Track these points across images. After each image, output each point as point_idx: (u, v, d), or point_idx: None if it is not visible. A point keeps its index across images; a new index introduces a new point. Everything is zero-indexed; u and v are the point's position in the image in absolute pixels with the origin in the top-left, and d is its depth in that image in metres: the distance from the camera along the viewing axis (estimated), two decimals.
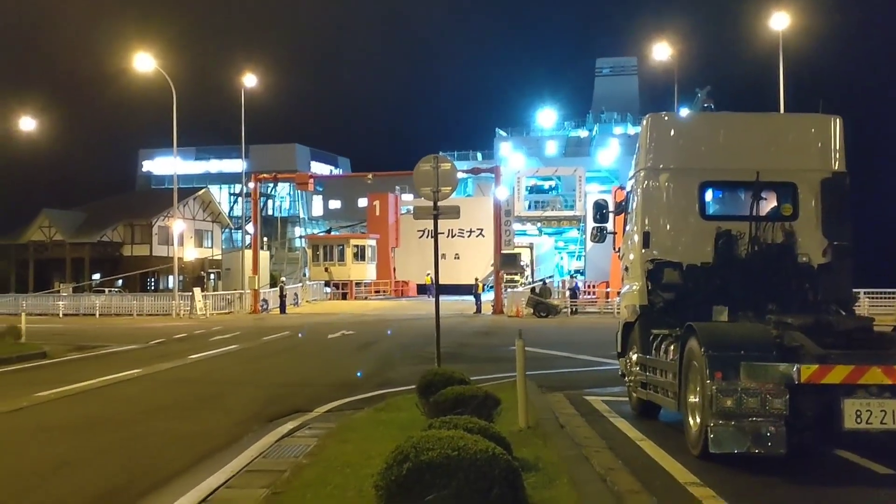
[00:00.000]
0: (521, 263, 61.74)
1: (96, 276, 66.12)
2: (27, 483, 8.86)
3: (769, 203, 10.95)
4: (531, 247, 70.24)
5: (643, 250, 11.14)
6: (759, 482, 7.91)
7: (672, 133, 11.55)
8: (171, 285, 57.03)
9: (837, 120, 11.16)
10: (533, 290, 43.29)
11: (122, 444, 10.88)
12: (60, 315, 46.63)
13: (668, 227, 11.12)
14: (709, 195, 11.24)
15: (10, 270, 68.08)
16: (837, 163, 11.02)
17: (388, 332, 31.86)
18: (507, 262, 47.75)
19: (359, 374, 15.61)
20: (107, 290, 57.99)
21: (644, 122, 11.72)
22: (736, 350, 8.33)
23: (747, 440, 8.03)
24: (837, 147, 11.05)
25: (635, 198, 11.71)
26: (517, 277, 58.66)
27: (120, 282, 65.02)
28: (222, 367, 20.63)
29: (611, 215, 13.26)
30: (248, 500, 7.62)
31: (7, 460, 10.00)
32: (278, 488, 7.89)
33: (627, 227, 12.38)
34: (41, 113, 76.36)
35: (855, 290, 12.57)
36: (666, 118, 12.10)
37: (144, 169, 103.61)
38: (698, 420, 8.70)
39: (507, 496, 5.49)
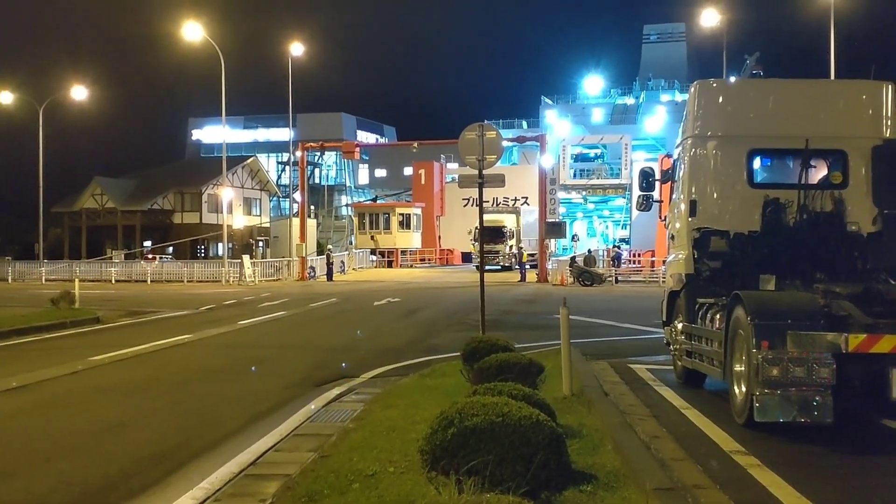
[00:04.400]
0: (505, 232, 54.41)
1: (147, 243, 67.17)
2: (85, 442, 9.15)
3: (818, 171, 10.80)
4: (517, 213, 59.45)
5: (690, 218, 11.07)
6: (805, 451, 7.89)
7: (720, 100, 11.42)
8: (220, 252, 57.63)
9: (889, 86, 10.95)
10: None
11: (174, 407, 11.18)
12: (113, 281, 47.45)
13: (715, 195, 11.03)
14: (757, 163, 11.13)
15: (63, 237, 69.56)
16: (889, 130, 10.82)
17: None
18: (552, 230, 46.95)
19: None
20: (157, 256, 58.87)
21: (692, 88, 11.59)
22: (783, 319, 8.29)
23: (793, 409, 8.01)
24: (889, 114, 10.86)
25: (682, 166, 11.62)
26: (499, 247, 52.64)
27: (171, 249, 65.98)
28: (271, 333, 20.94)
29: (657, 183, 13.17)
30: (297, 463, 7.78)
31: (65, 421, 10.31)
32: (326, 452, 8.04)
33: (674, 196, 12.30)
34: (93, 82, 77.31)
35: None
36: (714, 85, 11.96)
37: (194, 137, 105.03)
38: (744, 389, 8.69)
39: (551, 462, 5.55)
